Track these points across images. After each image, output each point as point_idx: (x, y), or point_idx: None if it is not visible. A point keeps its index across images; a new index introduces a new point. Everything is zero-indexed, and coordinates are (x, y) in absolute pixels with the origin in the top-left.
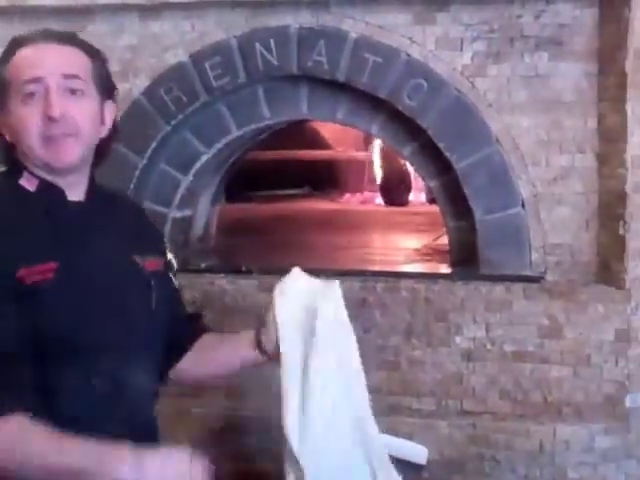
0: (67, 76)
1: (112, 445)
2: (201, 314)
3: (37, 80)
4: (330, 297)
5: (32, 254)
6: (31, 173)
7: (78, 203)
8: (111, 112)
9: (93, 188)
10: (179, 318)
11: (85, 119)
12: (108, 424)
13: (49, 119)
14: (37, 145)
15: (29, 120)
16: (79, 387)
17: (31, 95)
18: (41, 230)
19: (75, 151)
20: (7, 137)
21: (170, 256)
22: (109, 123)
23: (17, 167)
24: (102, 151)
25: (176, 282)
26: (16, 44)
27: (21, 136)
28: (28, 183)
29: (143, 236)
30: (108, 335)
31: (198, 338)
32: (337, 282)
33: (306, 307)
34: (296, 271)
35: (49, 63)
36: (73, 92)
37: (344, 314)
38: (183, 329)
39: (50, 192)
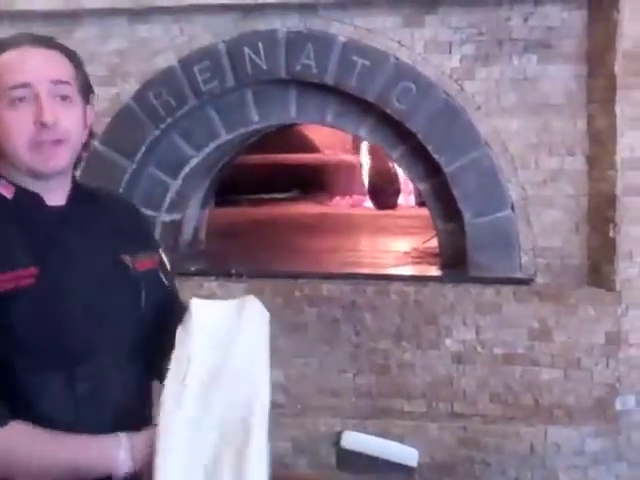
0: (56, 82)
1: (105, 436)
2: None
3: (25, 85)
4: (246, 323)
5: (9, 260)
6: (7, 180)
7: (58, 207)
8: (90, 117)
9: (75, 191)
10: (172, 320)
11: (74, 125)
12: (91, 429)
13: (41, 125)
14: (24, 150)
15: (17, 125)
16: (60, 392)
17: (19, 100)
18: (19, 236)
19: (63, 157)
20: None
21: (163, 255)
22: (88, 127)
23: None
24: (80, 154)
25: (166, 281)
26: None
27: (5, 141)
28: (5, 190)
29: (135, 235)
30: (90, 339)
31: None
32: (252, 298)
33: (217, 342)
34: (196, 303)
35: (36, 68)
36: (63, 98)
37: (262, 334)
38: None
39: (27, 198)
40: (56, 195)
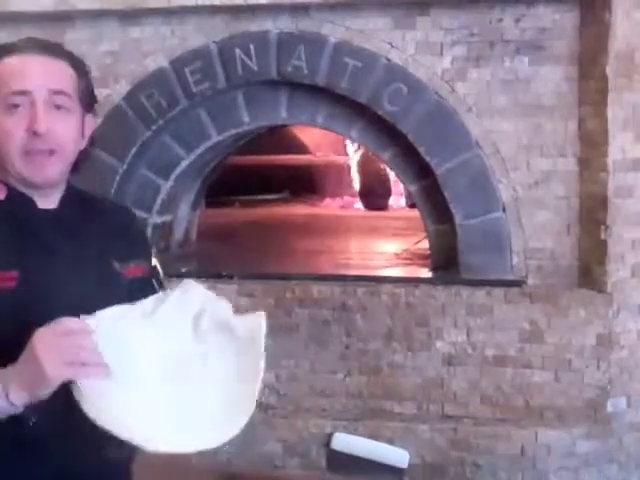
0: (54, 91)
1: None
2: None
3: (24, 93)
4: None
5: None
6: (1, 182)
7: (49, 211)
8: (90, 126)
9: (69, 195)
10: None
11: (68, 136)
12: (71, 430)
13: (34, 133)
14: (16, 157)
15: (12, 132)
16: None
17: (16, 107)
18: (6, 239)
19: (55, 168)
20: None
21: (155, 262)
22: (87, 136)
23: None
24: (78, 162)
25: (160, 289)
26: (1, 52)
27: (1, 146)
28: None
29: (127, 242)
30: None
31: None
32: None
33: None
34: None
35: (36, 76)
36: (58, 108)
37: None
38: None
39: (19, 201)
40: (48, 199)
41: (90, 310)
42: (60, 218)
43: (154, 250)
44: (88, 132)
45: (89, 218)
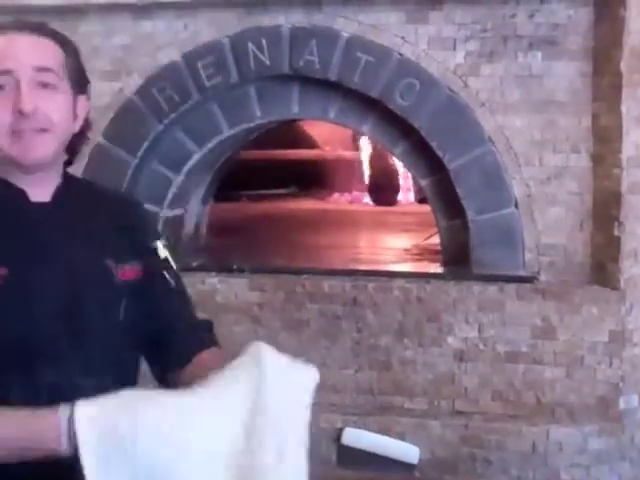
0: (39, 69)
1: (45, 413)
2: (211, 323)
3: (7, 72)
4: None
5: None
6: None
7: (42, 204)
8: (83, 107)
9: (65, 186)
10: (181, 322)
11: (57, 114)
12: None
13: (20, 113)
14: (5, 140)
15: None
16: (27, 399)
17: (1, 87)
18: None
19: (46, 147)
20: None
21: (165, 253)
22: (81, 119)
23: None
24: (74, 148)
25: (172, 281)
26: None
27: None
28: None
29: (126, 240)
30: (55, 338)
31: (201, 351)
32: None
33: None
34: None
35: (20, 54)
36: (45, 86)
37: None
38: (188, 337)
39: (10, 193)
40: (42, 191)
41: (79, 307)
42: (54, 213)
43: (163, 242)
44: (81, 114)
45: (85, 212)
